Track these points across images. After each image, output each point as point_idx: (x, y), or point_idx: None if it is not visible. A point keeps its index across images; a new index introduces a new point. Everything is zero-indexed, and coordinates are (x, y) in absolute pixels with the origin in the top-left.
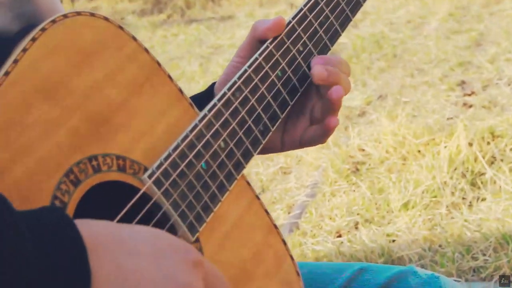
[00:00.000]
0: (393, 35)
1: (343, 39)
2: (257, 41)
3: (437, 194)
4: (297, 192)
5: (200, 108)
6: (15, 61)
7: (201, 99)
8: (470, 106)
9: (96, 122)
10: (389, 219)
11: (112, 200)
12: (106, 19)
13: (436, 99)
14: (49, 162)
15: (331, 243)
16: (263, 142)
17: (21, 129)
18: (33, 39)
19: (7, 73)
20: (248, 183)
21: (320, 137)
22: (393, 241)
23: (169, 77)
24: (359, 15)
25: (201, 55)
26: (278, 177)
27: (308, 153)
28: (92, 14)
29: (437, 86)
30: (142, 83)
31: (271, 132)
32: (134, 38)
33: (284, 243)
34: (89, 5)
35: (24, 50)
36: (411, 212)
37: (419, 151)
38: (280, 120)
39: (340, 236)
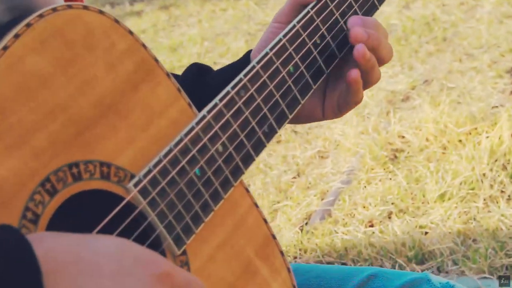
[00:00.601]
0: (445, 17)
1: (393, 20)
2: (298, 4)
3: (475, 186)
4: (332, 178)
5: (234, 77)
6: None
7: (237, 69)
8: None
9: (81, 125)
10: (424, 210)
11: (94, 209)
12: (101, 12)
13: (483, 85)
14: (22, 172)
15: (362, 233)
16: (266, 144)
17: None
18: (16, 36)
19: None
20: (247, 190)
21: (350, 95)
22: (426, 233)
23: (167, 75)
24: None
25: (248, 32)
26: (314, 161)
27: (347, 138)
28: (86, 7)
29: (485, 73)
30: (137, 82)
31: (276, 134)
32: (131, 33)
33: (282, 254)
34: None
35: (5, 48)
36: (447, 204)
37: (460, 140)
38: (288, 120)
39: (372, 225)
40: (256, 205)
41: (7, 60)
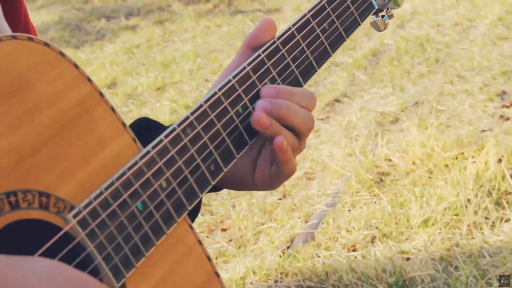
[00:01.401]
0: (439, 38)
1: (387, 39)
2: (250, 49)
3: (459, 212)
4: (318, 200)
5: None
6: None
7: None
8: (507, 119)
9: (21, 155)
10: (407, 235)
11: (32, 239)
12: (46, 44)
13: (473, 109)
14: None
15: (344, 257)
16: (212, 182)
17: None
18: None
19: None
20: (191, 227)
21: (281, 169)
22: (408, 259)
23: (112, 109)
24: (407, 15)
25: None
26: (301, 183)
27: (334, 160)
28: (30, 39)
29: (476, 95)
30: (80, 114)
31: (223, 173)
32: (76, 66)
33: None
34: None
35: None
36: (430, 230)
37: (446, 165)
38: (235, 159)
39: (354, 250)
40: (200, 242)
41: None
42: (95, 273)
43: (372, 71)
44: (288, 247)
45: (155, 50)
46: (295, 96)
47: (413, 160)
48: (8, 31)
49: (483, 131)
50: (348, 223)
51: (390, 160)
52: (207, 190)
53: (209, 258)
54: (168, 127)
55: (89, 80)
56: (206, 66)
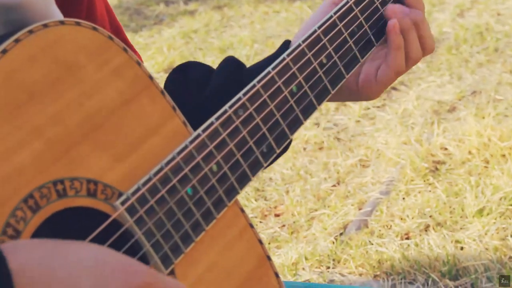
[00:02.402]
0: (498, 27)
1: (446, 28)
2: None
3: None
4: (372, 187)
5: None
6: None
7: (275, 59)
8: None
9: (68, 143)
10: (461, 225)
11: (81, 226)
12: (94, 28)
13: None
14: (5, 187)
15: (397, 245)
16: (264, 164)
17: None
18: (3, 51)
19: None
20: (242, 210)
21: (391, 59)
22: (462, 248)
23: (162, 92)
24: (467, 3)
25: None
26: (355, 170)
27: (389, 148)
28: (78, 23)
29: None
30: (129, 99)
31: (275, 154)
32: (125, 50)
33: (277, 275)
34: None
35: None
36: (485, 219)
37: (503, 155)
38: (288, 140)
39: (408, 238)
40: (251, 226)
41: None
42: (144, 260)
43: (430, 59)
44: (341, 234)
45: (213, 35)
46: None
47: (469, 149)
48: (60, 17)
49: None
50: (402, 211)
51: (445, 149)
52: (259, 172)
53: (260, 242)
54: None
55: (139, 63)
56: (263, 52)
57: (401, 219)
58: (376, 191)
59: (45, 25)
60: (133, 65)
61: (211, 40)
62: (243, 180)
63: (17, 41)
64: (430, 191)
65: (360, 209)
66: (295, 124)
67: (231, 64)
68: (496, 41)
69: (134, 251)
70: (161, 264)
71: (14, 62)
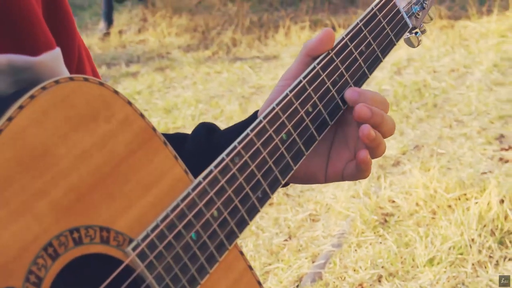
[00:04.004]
0: (435, 83)
1: (385, 85)
2: (308, 58)
3: (463, 251)
4: (323, 241)
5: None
6: None
7: (244, 127)
8: (506, 161)
9: (81, 192)
10: (413, 274)
11: (94, 272)
12: (100, 84)
13: (472, 152)
14: (26, 236)
15: None
16: (260, 209)
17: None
18: (20, 107)
19: None
20: (241, 253)
21: (358, 172)
22: None
23: (165, 143)
24: (403, 61)
25: (242, 95)
26: (306, 224)
27: (338, 202)
28: (86, 79)
29: (474, 139)
30: (134, 150)
31: (270, 199)
32: (130, 103)
33: None
34: (137, 37)
35: (10, 119)
36: (436, 269)
37: (449, 206)
38: (280, 185)
39: None
40: (250, 268)
41: (11, 131)
42: None
43: None
44: (297, 286)
45: (157, 96)
46: (380, 101)
47: (416, 201)
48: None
49: (484, 173)
50: (354, 262)
51: (393, 201)
52: (255, 217)
53: (259, 283)
54: (225, 130)
55: (142, 116)
56: (208, 111)
57: (354, 270)
58: (328, 244)
59: (57, 82)
60: (137, 117)
61: (155, 101)
62: (242, 224)
63: (32, 97)
64: (381, 242)
65: (313, 262)
66: (286, 170)
67: (202, 128)
68: (434, 97)
69: None
70: None
71: (30, 117)
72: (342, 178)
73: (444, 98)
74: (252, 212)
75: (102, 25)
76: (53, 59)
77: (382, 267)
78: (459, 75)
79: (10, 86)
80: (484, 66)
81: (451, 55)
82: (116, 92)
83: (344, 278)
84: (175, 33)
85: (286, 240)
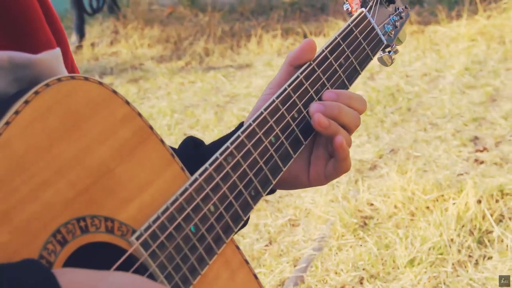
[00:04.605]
0: (408, 88)
1: (359, 91)
2: (291, 68)
3: (443, 252)
4: (304, 245)
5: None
6: (7, 123)
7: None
8: (482, 162)
9: (85, 185)
10: (394, 275)
11: (100, 260)
12: (100, 83)
13: (448, 154)
14: (36, 223)
15: None
16: (254, 206)
17: (9, 191)
18: (26, 102)
19: None
20: (237, 247)
21: (338, 163)
22: None
23: (161, 141)
24: (375, 67)
25: (217, 104)
26: (286, 229)
27: (317, 206)
28: (86, 79)
29: (449, 141)
30: (133, 147)
31: (262, 197)
32: (127, 103)
33: None
34: (109, 49)
35: (17, 112)
36: (416, 269)
37: (427, 207)
38: (272, 184)
39: None
40: (247, 262)
41: (18, 124)
42: None
43: None
44: None
45: None
46: (341, 97)
47: (394, 203)
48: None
49: (460, 174)
50: (336, 265)
51: (372, 204)
52: (249, 213)
53: (255, 277)
54: (211, 144)
55: (140, 115)
56: (183, 121)
57: (336, 273)
58: (309, 248)
59: (59, 79)
60: (135, 116)
61: None
62: (237, 220)
63: (36, 93)
64: (361, 245)
65: (295, 266)
66: (276, 171)
67: (189, 143)
68: (407, 101)
69: None
70: None
71: (35, 112)
72: (325, 178)
73: (418, 102)
74: (246, 208)
75: (74, 38)
76: (53, 58)
77: (363, 269)
78: (431, 79)
79: (10, 84)
80: (455, 69)
81: (423, 60)
82: (114, 91)
83: (326, 281)
84: (148, 44)
85: (267, 245)
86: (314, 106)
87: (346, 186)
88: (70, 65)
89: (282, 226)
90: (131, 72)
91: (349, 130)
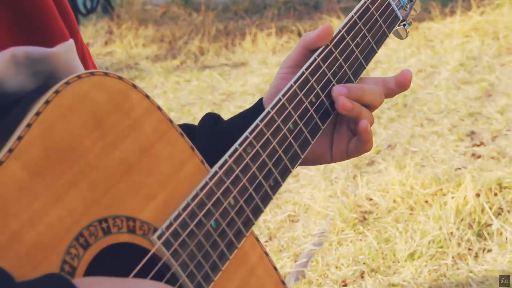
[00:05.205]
0: None
1: None
2: (307, 50)
3: (443, 245)
4: (304, 240)
5: (248, 124)
6: (28, 125)
7: (250, 116)
8: (479, 157)
9: (107, 184)
10: (395, 269)
11: (122, 261)
12: (119, 78)
13: (445, 149)
14: (59, 227)
15: None
16: (273, 197)
17: (32, 196)
18: (47, 102)
19: (20, 138)
20: (257, 239)
21: (361, 144)
22: None
23: (181, 134)
24: (371, 64)
25: (213, 102)
26: (285, 225)
27: (316, 202)
28: (106, 74)
29: (446, 136)
30: (154, 142)
31: (281, 186)
32: (147, 96)
33: None
34: (104, 50)
35: (38, 113)
36: (417, 262)
37: (426, 201)
38: (290, 173)
39: (345, 285)
40: (266, 254)
41: (40, 125)
42: None
43: None
44: None
45: None
46: (370, 79)
47: (393, 198)
48: (81, 67)
49: (458, 169)
50: (336, 260)
51: (371, 199)
52: (269, 204)
53: (275, 268)
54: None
55: (160, 108)
56: (180, 119)
57: (337, 267)
58: (309, 243)
59: (79, 77)
60: (155, 110)
61: None
62: (257, 212)
63: (57, 92)
64: (361, 239)
65: (295, 261)
66: (295, 159)
67: (210, 119)
68: (403, 97)
69: (170, 282)
70: None
71: (57, 112)
72: (347, 156)
73: (414, 98)
74: (266, 199)
75: None
76: (67, 50)
77: (364, 263)
78: (427, 75)
79: (29, 78)
80: (450, 65)
81: (417, 56)
82: (134, 86)
83: (327, 275)
84: (142, 44)
85: (267, 241)
86: (337, 89)
87: (345, 181)
88: (81, 53)
89: (282, 222)
90: (127, 72)
91: (373, 108)
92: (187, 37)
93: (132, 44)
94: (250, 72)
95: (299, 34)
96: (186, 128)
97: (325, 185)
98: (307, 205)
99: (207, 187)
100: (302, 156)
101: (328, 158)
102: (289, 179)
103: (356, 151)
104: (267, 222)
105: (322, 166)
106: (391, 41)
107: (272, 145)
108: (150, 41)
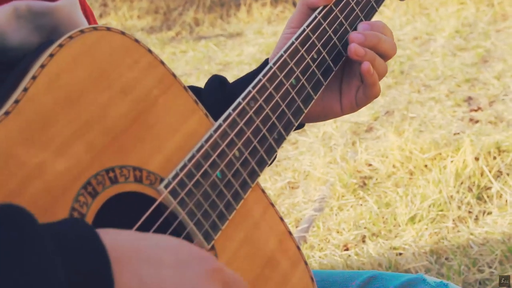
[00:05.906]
0: (400, 51)
1: None
2: (308, 8)
3: (443, 208)
4: (304, 206)
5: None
6: (33, 77)
7: (257, 75)
8: (477, 122)
9: (113, 135)
10: (395, 233)
11: (130, 210)
12: (122, 33)
13: (443, 114)
14: (67, 176)
15: (339, 256)
16: (277, 150)
17: (39, 145)
18: (51, 55)
19: (25, 89)
20: (263, 191)
21: (368, 89)
22: (400, 254)
23: (185, 88)
24: None
25: (210, 72)
26: (285, 192)
27: (316, 168)
28: (109, 29)
29: (443, 102)
30: (158, 95)
31: (285, 139)
32: (150, 51)
33: (298, 248)
34: (99, 22)
35: (42, 66)
36: (417, 226)
37: (425, 165)
38: (294, 126)
39: (347, 249)
40: (272, 205)
41: (45, 77)
42: (188, 238)
43: None
44: None
45: None
46: (376, 27)
47: (393, 163)
48: (85, 23)
49: (456, 133)
50: (337, 225)
51: (370, 165)
52: (273, 156)
53: (281, 219)
54: (238, 80)
55: (162, 63)
56: None
57: (338, 232)
58: (310, 209)
59: (82, 31)
60: (158, 64)
61: None
62: (262, 164)
63: (61, 45)
64: (361, 204)
65: (297, 227)
66: (298, 112)
67: (216, 80)
68: (400, 64)
69: (177, 231)
70: (204, 240)
71: (61, 64)
72: (357, 105)
73: (410, 65)
74: (270, 152)
75: None
76: (70, 4)
77: (365, 227)
78: (423, 42)
79: (31, 32)
80: (446, 32)
81: (413, 24)
82: (137, 40)
83: (329, 240)
84: (137, 16)
85: None
86: (354, 35)
87: (344, 148)
88: (83, 14)
89: (282, 189)
90: None
91: (387, 57)
92: (181, 8)
93: (126, 16)
94: (245, 42)
95: (294, 4)
96: (192, 89)
97: (324, 151)
98: (307, 172)
99: (212, 139)
100: (305, 110)
101: (338, 110)
102: (288, 147)
103: (364, 98)
104: (267, 189)
105: (320, 133)
106: (386, 9)
107: (275, 100)
108: (145, 12)
